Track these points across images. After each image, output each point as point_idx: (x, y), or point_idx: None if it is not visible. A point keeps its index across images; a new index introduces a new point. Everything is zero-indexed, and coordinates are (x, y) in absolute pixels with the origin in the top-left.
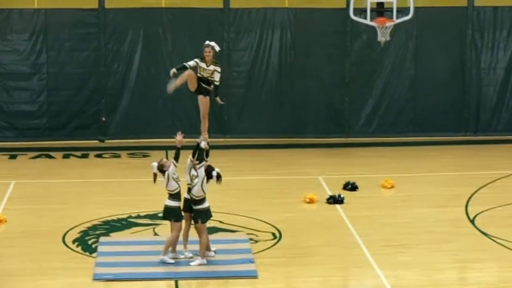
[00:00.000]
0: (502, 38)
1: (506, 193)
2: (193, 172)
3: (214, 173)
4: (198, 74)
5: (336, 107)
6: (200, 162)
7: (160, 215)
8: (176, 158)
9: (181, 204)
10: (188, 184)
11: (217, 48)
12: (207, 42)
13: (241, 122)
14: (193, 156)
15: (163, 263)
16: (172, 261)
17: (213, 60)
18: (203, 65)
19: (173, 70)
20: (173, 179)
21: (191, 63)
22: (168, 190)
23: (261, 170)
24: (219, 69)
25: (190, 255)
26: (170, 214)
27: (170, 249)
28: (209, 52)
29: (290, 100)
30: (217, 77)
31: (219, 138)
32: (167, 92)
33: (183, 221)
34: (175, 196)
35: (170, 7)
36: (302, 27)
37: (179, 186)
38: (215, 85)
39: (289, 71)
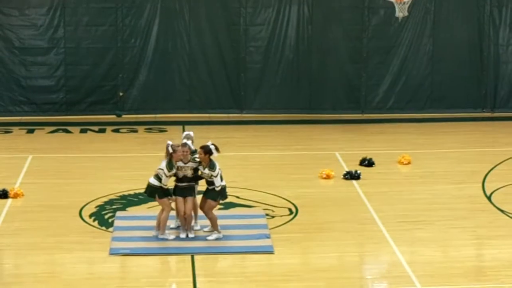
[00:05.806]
0: None
1: None
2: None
3: (213, 147)
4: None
5: (353, 83)
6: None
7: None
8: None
9: (161, 185)
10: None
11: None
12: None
13: (258, 97)
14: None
15: (165, 239)
16: (172, 237)
17: (190, 157)
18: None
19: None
20: (163, 173)
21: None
22: (157, 170)
23: (277, 145)
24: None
25: (207, 228)
26: (152, 192)
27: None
28: (186, 152)
29: (307, 76)
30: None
31: (236, 114)
32: None
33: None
34: (157, 176)
35: None
36: (320, 2)
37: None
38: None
39: (306, 47)
